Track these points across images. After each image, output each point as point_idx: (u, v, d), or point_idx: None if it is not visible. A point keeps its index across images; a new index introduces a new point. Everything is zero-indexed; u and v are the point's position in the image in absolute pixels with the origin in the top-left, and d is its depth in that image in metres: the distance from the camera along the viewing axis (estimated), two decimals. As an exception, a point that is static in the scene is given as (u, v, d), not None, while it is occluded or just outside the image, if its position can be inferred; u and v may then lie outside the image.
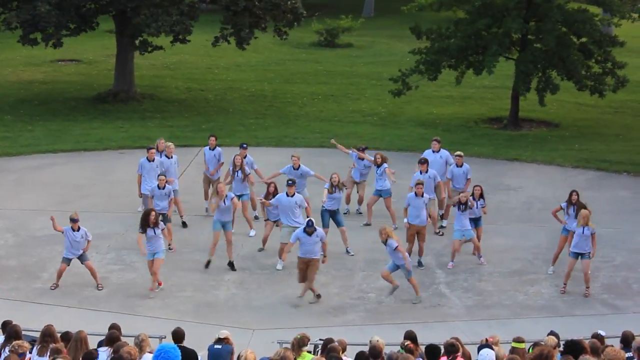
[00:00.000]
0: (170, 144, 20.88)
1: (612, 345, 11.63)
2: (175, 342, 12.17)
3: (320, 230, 16.98)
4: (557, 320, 16.02)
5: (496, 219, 20.53)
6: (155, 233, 16.94)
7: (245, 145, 20.68)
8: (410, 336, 12.49)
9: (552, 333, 12.75)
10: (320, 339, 13.11)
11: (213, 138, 21.18)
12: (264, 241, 19.15)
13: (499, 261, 18.89)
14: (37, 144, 26.73)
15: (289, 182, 18.48)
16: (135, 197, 20.59)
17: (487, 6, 28.16)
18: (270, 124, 29.43)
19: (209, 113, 30.84)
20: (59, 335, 12.11)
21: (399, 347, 12.28)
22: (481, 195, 18.78)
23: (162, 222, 17.21)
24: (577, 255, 17.21)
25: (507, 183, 23.68)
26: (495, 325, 15.93)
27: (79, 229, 17.11)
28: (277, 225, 18.85)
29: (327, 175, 19.43)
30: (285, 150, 24.42)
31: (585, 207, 17.82)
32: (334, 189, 19.01)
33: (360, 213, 21.16)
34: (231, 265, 18.36)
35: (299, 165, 19.80)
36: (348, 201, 21.21)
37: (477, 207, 18.64)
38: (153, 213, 17.10)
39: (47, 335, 11.87)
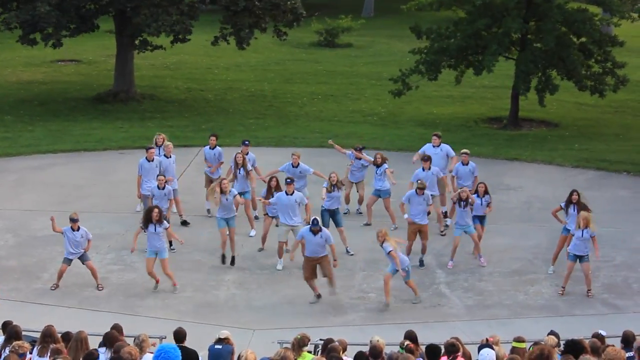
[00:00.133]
0: (169, 143, 20.87)
1: (613, 345, 11.63)
2: (177, 342, 12.18)
3: (326, 231, 16.89)
4: (557, 320, 16.03)
5: (496, 219, 20.52)
6: (155, 230, 16.93)
7: (247, 142, 20.68)
8: (411, 336, 12.49)
9: (552, 333, 12.75)
10: (320, 339, 13.11)
11: (214, 137, 21.18)
12: (263, 239, 19.15)
13: (499, 261, 18.90)
14: (37, 144, 26.73)
15: (288, 180, 18.50)
16: (136, 197, 20.61)
17: (487, 6, 28.16)
18: (270, 124, 29.44)
19: (208, 113, 30.85)
20: (59, 335, 12.12)
21: (398, 347, 12.29)
22: (485, 192, 18.77)
23: (165, 221, 17.18)
24: (575, 257, 17.19)
25: (507, 183, 23.68)
26: (496, 325, 15.93)
27: (78, 228, 17.11)
28: (277, 225, 18.84)
29: (326, 175, 19.43)
30: (285, 150, 24.40)
31: (586, 208, 17.83)
32: (332, 187, 19.02)
33: (361, 213, 21.16)
34: (232, 260, 18.43)
35: (299, 164, 19.81)
36: (348, 201, 21.22)
37: (481, 204, 18.64)
38: (156, 210, 17.10)
39: (48, 335, 11.88)
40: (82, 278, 17.50)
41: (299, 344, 12.12)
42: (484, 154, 25.96)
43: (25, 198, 22.22)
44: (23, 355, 11.05)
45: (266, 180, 19.39)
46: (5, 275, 17.89)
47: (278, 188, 18.65)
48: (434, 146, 20.70)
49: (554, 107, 31.33)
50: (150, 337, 12.11)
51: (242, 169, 19.82)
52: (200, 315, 16.44)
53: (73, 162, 25.42)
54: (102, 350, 11.65)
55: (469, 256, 18.85)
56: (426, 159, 19.78)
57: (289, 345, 12.43)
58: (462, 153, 20.41)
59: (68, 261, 17.21)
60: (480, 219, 18.78)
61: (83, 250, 17.22)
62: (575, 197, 18.09)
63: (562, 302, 17.20)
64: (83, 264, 17.32)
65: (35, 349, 11.78)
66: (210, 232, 20.04)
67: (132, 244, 17.49)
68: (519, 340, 12.35)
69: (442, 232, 20.07)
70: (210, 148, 20.98)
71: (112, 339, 11.81)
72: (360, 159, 20.78)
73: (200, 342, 13.26)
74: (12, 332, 12.05)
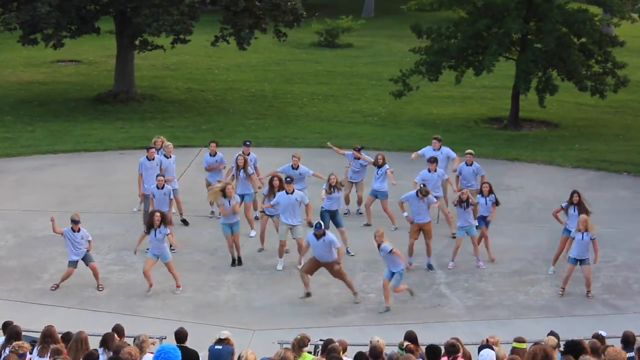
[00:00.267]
0: (169, 143, 20.86)
1: (613, 346, 11.62)
2: (178, 343, 12.20)
3: (329, 235, 16.79)
4: (558, 321, 16.02)
5: (496, 219, 20.45)
6: (156, 236, 16.93)
7: (248, 143, 20.67)
8: (411, 337, 12.50)
9: (552, 333, 12.74)
10: (320, 340, 13.11)
11: (214, 144, 21.05)
12: (262, 237, 19.15)
13: (499, 261, 18.89)
14: (37, 144, 26.74)
15: (287, 179, 18.50)
16: (136, 197, 20.62)
17: (488, 6, 28.17)
18: (270, 125, 29.44)
19: (209, 113, 30.85)
20: (59, 336, 12.12)
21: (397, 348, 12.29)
22: (490, 192, 18.75)
23: (165, 227, 17.15)
24: (576, 261, 17.17)
25: (507, 183, 23.68)
26: (496, 325, 15.92)
27: (79, 230, 17.11)
28: (277, 231, 18.82)
29: (325, 175, 19.43)
30: (285, 150, 24.42)
31: (586, 210, 17.83)
32: (332, 189, 19.01)
33: (361, 213, 21.15)
34: (239, 260, 18.54)
35: (298, 166, 19.82)
36: (348, 202, 21.22)
37: (486, 204, 18.64)
38: (157, 214, 17.10)
39: (48, 336, 11.88)
40: (82, 278, 17.49)
41: (299, 345, 12.12)
42: (484, 154, 25.94)
43: (25, 198, 22.22)
44: (23, 355, 11.05)
45: (264, 181, 19.37)
46: (6, 275, 17.89)
47: (281, 188, 18.64)
48: (434, 149, 20.65)
49: (554, 107, 31.34)
50: (150, 338, 12.11)
51: (242, 171, 19.81)
52: (201, 316, 16.44)
53: (73, 162, 25.42)
54: (101, 350, 11.66)
55: (470, 257, 18.84)
56: (432, 160, 19.74)
57: (289, 346, 12.44)
58: (467, 154, 20.43)
59: (74, 264, 17.18)
60: (485, 222, 18.75)
61: (85, 251, 17.21)
62: (576, 198, 18.08)
63: (562, 302, 17.19)
64: (87, 265, 17.31)
65: (35, 349, 11.78)
66: (211, 232, 20.06)
67: (136, 245, 17.51)
68: (519, 340, 12.35)
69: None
70: (210, 155, 20.89)
71: (108, 340, 11.82)
72: (359, 158, 20.78)
73: (200, 342, 13.25)
74: (12, 333, 12.06)
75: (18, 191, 22.83)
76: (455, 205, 18.72)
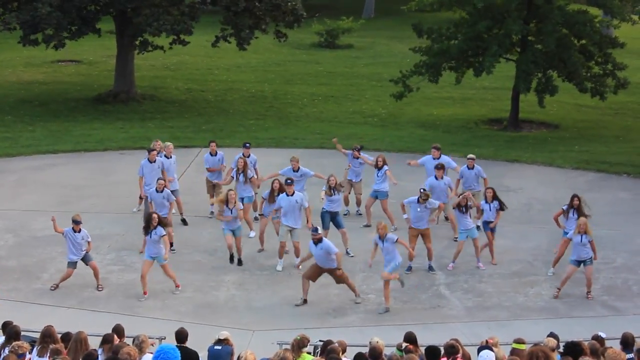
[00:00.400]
0: (169, 143, 20.86)
1: (612, 347, 11.62)
2: (178, 343, 12.21)
3: (326, 242, 16.72)
4: (557, 322, 16.00)
5: (496, 220, 20.53)
6: (151, 237, 16.91)
7: (248, 145, 20.68)
8: (410, 337, 12.49)
9: (551, 334, 12.75)
10: (320, 340, 13.11)
11: (214, 144, 21.03)
12: (261, 239, 19.16)
13: (499, 262, 18.88)
14: (37, 144, 26.74)
15: (288, 181, 18.51)
16: (136, 197, 20.62)
17: (488, 8, 28.17)
18: (270, 125, 29.44)
19: (209, 114, 30.86)
20: (59, 336, 12.12)
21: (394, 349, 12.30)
22: (494, 198, 18.73)
23: (162, 228, 17.12)
24: (578, 263, 17.19)
25: (507, 184, 23.67)
26: (495, 326, 15.93)
27: (80, 230, 17.11)
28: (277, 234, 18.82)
29: (326, 176, 19.43)
30: (285, 151, 24.44)
31: (584, 214, 17.85)
32: (332, 191, 19.01)
33: (361, 214, 21.15)
34: (239, 261, 18.56)
35: (299, 168, 19.82)
36: (347, 202, 21.22)
37: (490, 210, 18.63)
38: (155, 216, 17.10)
39: (47, 336, 11.88)
40: (82, 279, 17.49)
41: (299, 345, 12.12)
42: (484, 155, 25.95)
43: (25, 198, 22.23)
44: (22, 355, 11.05)
45: (266, 181, 19.39)
46: (5, 275, 17.90)
47: (281, 190, 18.63)
48: (434, 158, 20.60)
49: (554, 108, 31.35)
50: (149, 338, 12.11)
51: (242, 173, 19.80)
52: (200, 316, 16.44)
53: (73, 162, 25.43)
54: (100, 350, 11.66)
55: (469, 258, 18.83)
56: (439, 167, 19.71)
57: (288, 346, 12.43)
58: (468, 158, 20.46)
59: (73, 264, 17.19)
60: (489, 227, 18.75)
61: (85, 251, 17.22)
62: (576, 202, 18.09)
63: (561, 304, 17.19)
64: (86, 264, 17.31)
65: (34, 349, 11.78)
66: (210, 232, 20.07)
67: (142, 247, 17.81)
68: (519, 341, 12.35)
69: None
70: (211, 154, 20.88)
71: (107, 340, 11.83)
72: (358, 158, 20.80)
73: (199, 342, 13.25)
74: (12, 333, 12.06)
75: (18, 191, 22.84)
76: (454, 209, 18.72)
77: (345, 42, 43.39)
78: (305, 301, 16.94)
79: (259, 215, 19.87)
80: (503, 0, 28.03)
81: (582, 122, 31.00)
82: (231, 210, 18.10)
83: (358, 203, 21.23)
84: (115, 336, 12.16)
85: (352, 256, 19.04)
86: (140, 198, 20.53)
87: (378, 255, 17.06)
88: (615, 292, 17.65)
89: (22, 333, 12.32)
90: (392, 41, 43.44)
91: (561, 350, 11.76)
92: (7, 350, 11.37)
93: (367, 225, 20.37)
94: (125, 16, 30.13)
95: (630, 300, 17.35)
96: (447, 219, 20.55)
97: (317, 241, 16.62)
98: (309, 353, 12.43)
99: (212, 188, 20.80)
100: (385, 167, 20.17)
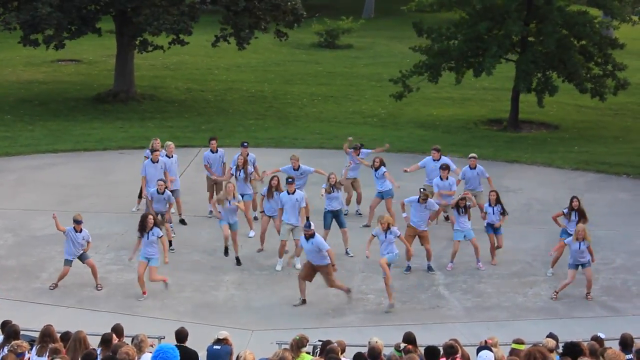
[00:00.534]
0: (171, 143, 20.85)
1: (611, 348, 11.62)
2: (178, 342, 12.21)
3: (317, 239, 16.64)
4: (556, 322, 16.00)
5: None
6: (148, 238, 16.85)
7: (246, 144, 20.67)
8: (409, 338, 12.49)
9: (550, 335, 12.75)
10: (319, 340, 13.12)
11: (214, 141, 20.99)
12: (262, 238, 19.15)
13: (498, 263, 18.87)
14: (37, 144, 26.74)
15: (289, 179, 18.53)
16: (135, 197, 20.60)
17: (488, 9, 28.19)
18: (270, 125, 29.45)
19: (208, 114, 30.86)
20: (58, 335, 12.12)
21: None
22: (497, 201, 18.70)
23: (159, 230, 17.07)
24: (577, 266, 17.18)
25: (506, 185, 23.67)
26: (494, 327, 15.92)
27: (81, 230, 17.11)
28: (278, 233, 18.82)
29: (326, 173, 19.46)
30: (285, 151, 24.43)
31: (586, 215, 17.85)
32: (332, 188, 19.03)
33: (360, 214, 21.16)
34: (238, 260, 18.51)
35: (299, 166, 19.85)
36: (348, 202, 21.22)
37: (493, 213, 18.62)
38: (150, 217, 17.04)
39: (46, 335, 11.88)
40: (81, 278, 17.49)
41: (298, 345, 12.13)
42: (484, 155, 25.92)
43: (25, 198, 22.22)
44: (22, 354, 11.05)
45: (269, 174, 19.44)
46: (5, 274, 17.89)
47: (279, 187, 18.67)
48: (434, 160, 20.59)
49: (553, 109, 31.36)
50: (148, 337, 12.11)
51: (242, 171, 19.83)
52: (199, 316, 16.43)
53: (73, 162, 25.42)
54: (99, 350, 11.66)
55: (469, 258, 18.83)
56: (444, 167, 19.71)
57: (287, 346, 12.43)
58: (470, 157, 20.46)
59: (69, 262, 17.19)
60: (494, 230, 18.73)
61: (82, 251, 17.22)
62: (575, 203, 18.09)
63: (561, 304, 17.19)
64: (83, 262, 17.30)
65: (34, 348, 11.78)
66: (209, 232, 20.06)
67: (133, 252, 17.29)
68: (518, 342, 12.36)
69: None
70: (212, 152, 20.87)
71: (106, 340, 11.83)
72: (358, 154, 20.87)
73: (198, 342, 13.24)
74: (11, 332, 12.06)
75: (17, 190, 22.83)
76: (452, 208, 18.73)
77: (345, 42, 43.41)
78: (304, 301, 16.95)
79: (260, 212, 19.85)
80: (503, 1, 28.04)
81: (581, 122, 31.01)
82: (229, 202, 18.10)
83: (358, 200, 21.23)
84: (114, 335, 12.16)
85: (351, 256, 19.04)
86: (139, 197, 20.52)
87: (379, 256, 17.01)
88: (614, 292, 17.66)
89: (21, 332, 12.31)
90: (392, 41, 43.45)
91: (560, 350, 11.77)
92: (6, 350, 11.36)
93: (367, 226, 20.35)
94: (125, 16, 30.13)
95: (629, 301, 17.36)
96: (447, 219, 20.56)
97: (309, 236, 16.62)
98: (308, 353, 12.44)
99: (213, 187, 20.79)
100: (383, 169, 20.15)
